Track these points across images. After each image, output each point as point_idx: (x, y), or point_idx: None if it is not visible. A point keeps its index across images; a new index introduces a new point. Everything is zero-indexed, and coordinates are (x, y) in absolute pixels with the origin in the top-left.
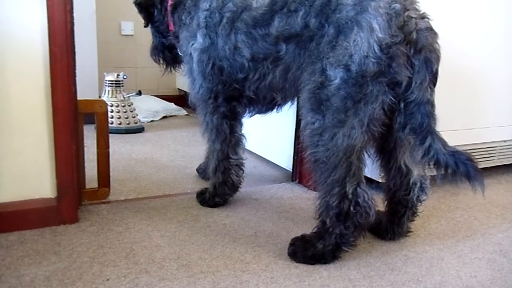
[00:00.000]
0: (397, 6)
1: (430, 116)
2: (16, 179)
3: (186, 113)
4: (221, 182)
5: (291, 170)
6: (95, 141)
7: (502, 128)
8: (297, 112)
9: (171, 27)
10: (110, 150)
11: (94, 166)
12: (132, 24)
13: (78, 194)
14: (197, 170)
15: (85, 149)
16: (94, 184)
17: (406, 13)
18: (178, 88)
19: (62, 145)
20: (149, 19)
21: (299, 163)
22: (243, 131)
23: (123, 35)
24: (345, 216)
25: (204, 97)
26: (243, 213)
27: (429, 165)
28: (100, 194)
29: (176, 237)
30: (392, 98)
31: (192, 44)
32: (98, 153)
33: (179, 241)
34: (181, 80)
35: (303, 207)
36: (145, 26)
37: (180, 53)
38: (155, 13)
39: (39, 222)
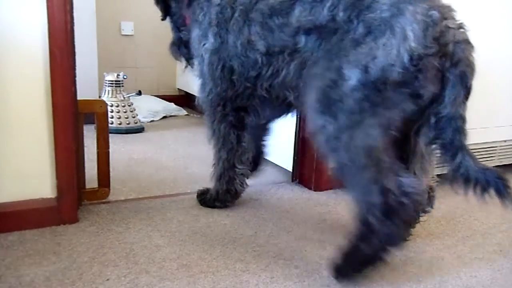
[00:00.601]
0: (435, 14)
1: (461, 132)
2: (16, 179)
3: (186, 113)
4: (224, 190)
5: (291, 170)
6: (95, 141)
7: (502, 128)
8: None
9: (188, 21)
10: (110, 150)
11: (94, 166)
12: (132, 24)
13: (78, 194)
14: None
15: (85, 149)
16: (94, 184)
17: (444, 23)
18: (178, 88)
19: (62, 145)
20: (166, 11)
21: (299, 163)
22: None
23: (123, 35)
24: (392, 212)
25: (213, 104)
26: (243, 213)
27: (458, 180)
28: (100, 194)
29: (176, 237)
30: (413, 108)
31: (204, 45)
32: (98, 153)
33: (179, 241)
34: (181, 80)
35: (303, 207)
36: (162, 19)
37: (192, 51)
38: (173, 5)
39: (39, 222)
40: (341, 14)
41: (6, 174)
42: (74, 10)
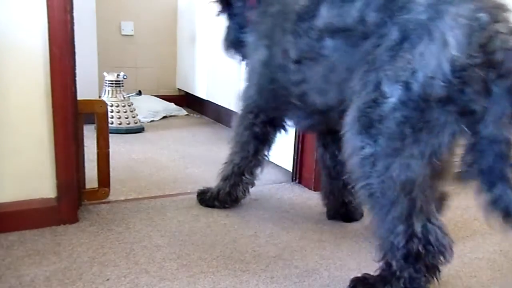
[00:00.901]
0: (483, 16)
1: (504, 158)
2: (16, 179)
3: (186, 113)
4: (226, 192)
5: (291, 170)
6: (95, 141)
7: None
8: None
9: (249, 24)
10: (110, 150)
11: (94, 166)
12: (132, 24)
13: (78, 194)
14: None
15: (85, 149)
16: (94, 184)
17: (493, 27)
18: (178, 88)
19: (62, 145)
20: (226, 8)
21: (299, 163)
22: (267, 154)
23: (123, 35)
24: (415, 258)
25: (247, 109)
26: (243, 213)
27: (494, 213)
28: (100, 194)
29: (176, 237)
30: (465, 129)
31: (257, 55)
32: (98, 153)
33: (179, 241)
34: (181, 80)
35: (303, 207)
36: (217, 15)
37: (246, 54)
38: (237, 4)
39: (39, 222)
40: (372, 15)
41: (6, 174)
42: (74, 10)
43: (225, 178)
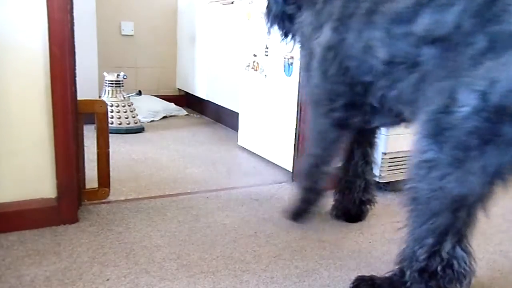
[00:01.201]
0: None
1: None
2: (16, 179)
3: (186, 113)
4: (308, 188)
5: (291, 170)
6: (95, 141)
7: None
8: (298, 111)
9: None
10: (110, 150)
11: (94, 166)
12: (132, 24)
13: (78, 194)
14: (332, 206)
15: (85, 149)
16: (94, 184)
17: None
18: (178, 88)
19: (62, 145)
20: None
21: (299, 163)
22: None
23: (123, 35)
24: (429, 275)
25: (318, 98)
26: (243, 213)
27: None
28: (100, 194)
29: (176, 237)
30: None
31: (317, 38)
32: (98, 153)
33: (179, 241)
34: (181, 80)
35: None
36: None
37: (297, 35)
38: None
39: (39, 222)
40: (468, 21)
41: (6, 174)
42: (74, 10)
43: (306, 175)
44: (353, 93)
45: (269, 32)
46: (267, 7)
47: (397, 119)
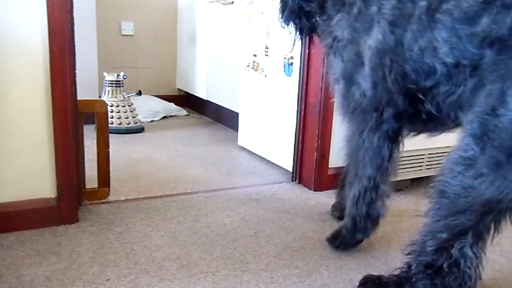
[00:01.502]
0: None
1: None
2: (16, 179)
3: (186, 113)
4: (364, 215)
5: (291, 170)
6: (95, 141)
7: None
8: (298, 111)
9: None
10: (110, 150)
11: (94, 166)
12: (132, 24)
13: (78, 194)
14: (333, 207)
15: (85, 149)
16: (94, 184)
17: None
18: (178, 88)
19: (62, 145)
20: None
21: (299, 163)
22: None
23: (123, 35)
24: (435, 271)
25: (366, 109)
26: (243, 213)
27: None
28: (100, 194)
29: (176, 237)
30: None
31: (365, 42)
32: (98, 153)
33: (179, 241)
34: (181, 80)
35: (303, 207)
36: None
37: (322, 38)
38: None
39: (39, 222)
40: None
41: (6, 174)
42: (74, 10)
43: (356, 199)
44: (408, 101)
45: (284, 27)
46: (282, 1)
47: (453, 124)
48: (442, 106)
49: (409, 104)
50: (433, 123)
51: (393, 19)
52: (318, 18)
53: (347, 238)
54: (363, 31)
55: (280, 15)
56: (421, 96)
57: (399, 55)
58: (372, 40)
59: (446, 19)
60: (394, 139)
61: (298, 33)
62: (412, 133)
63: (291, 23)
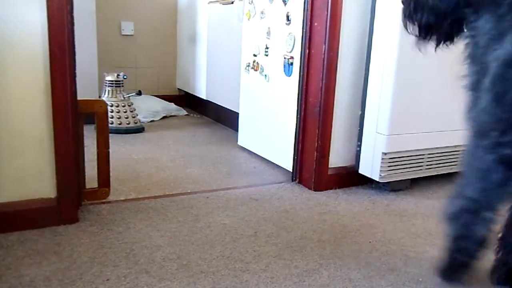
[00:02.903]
0: None
1: None
2: (16, 179)
3: (186, 113)
4: (463, 235)
5: (291, 170)
6: (95, 141)
7: None
8: (298, 111)
9: None
10: (110, 150)
11: (94, 166)
12: (132, 24)
13: (78, 194)
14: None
15: (85, 149)
16: (94, 184)
17: None
18: (178, 88)
19: (62, 145)
20: None
21: (299, 163)
22: None
23: (123, 35)
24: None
25: (484, 127)
26: (243, 213)
27: None
28: (100, 194)
29: (176, 237)
30: None
31: (495, 50)
32: (98, 153)
33: (179, 241)
34: (181, 80)
35: (303, 207)
36: None
37: (468, 46)
38: None
39: (39, 222)
40: None
41: (6, 174)
42: (74, 10)
43: (456, 218)
44: None
45: (407, 29)
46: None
47: None
48: None
49: None
50: None
51: None
52: (468, 36)
53: (452, 263)
54: (497, 38)
55: (409, 12)
56: None
57: None
58: (502, 49)
59: None
60: (510, 164)
61: (436, 41)
62: None
63: (423, 24)
